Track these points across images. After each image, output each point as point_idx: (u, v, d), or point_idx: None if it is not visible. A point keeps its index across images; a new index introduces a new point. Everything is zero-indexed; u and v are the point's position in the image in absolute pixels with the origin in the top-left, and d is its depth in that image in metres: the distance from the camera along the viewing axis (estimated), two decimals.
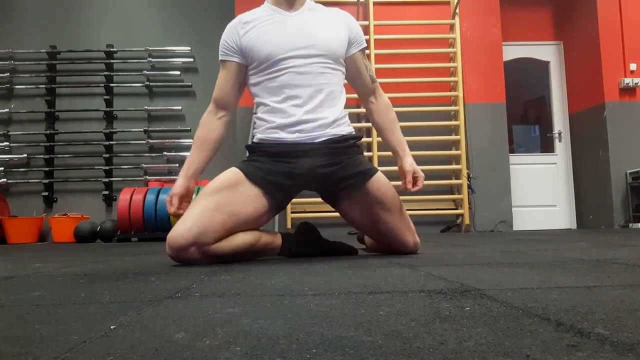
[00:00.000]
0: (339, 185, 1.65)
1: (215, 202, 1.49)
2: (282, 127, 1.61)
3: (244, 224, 1.54)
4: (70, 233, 4.49)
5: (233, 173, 1.59)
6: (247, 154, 1.71)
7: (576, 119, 5.41)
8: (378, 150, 4.69)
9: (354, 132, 1.72)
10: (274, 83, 1.61)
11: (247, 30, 1.63)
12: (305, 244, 1.70)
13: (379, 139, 4.69)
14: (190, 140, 5.29)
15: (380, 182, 1.66)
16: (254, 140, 1.69)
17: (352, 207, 1.68)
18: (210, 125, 1.67)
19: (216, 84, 1.69)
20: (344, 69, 1.72)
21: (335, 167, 1.63)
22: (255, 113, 1.72)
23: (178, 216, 1.56)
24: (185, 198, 1.63)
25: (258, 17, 1.66)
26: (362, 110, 4.82)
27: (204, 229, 1.43)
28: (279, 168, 1.60)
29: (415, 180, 1.67)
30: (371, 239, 1.85)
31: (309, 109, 1.60)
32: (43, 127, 5.25)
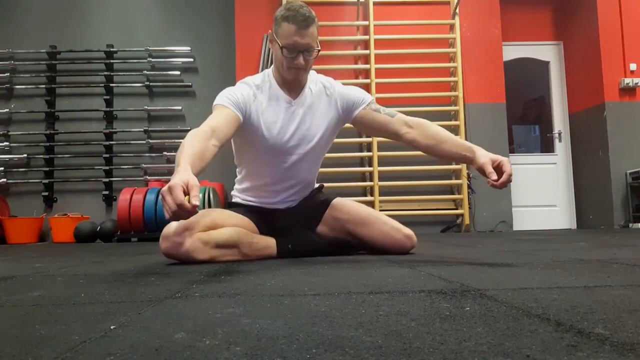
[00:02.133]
0: (308, 223, 1.80)
1: (203, 211, 1.62)
2: (264, 203, 1.81)
3: (233, 227, 1.63)
4: (70, 233, 4.49)
5: (216, 209, 1.81)
6: (228, 207, 1.86)
7: (576, 119, 5.41)
8: (378, 150, 4.69)
9: (316, 186, 1.93)
10: (265, 169, 1.75)
11: (257, 109, 1.67)
12: (301, 244, 1.71)
13: (379, 139, 4.71)
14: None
15: (339, 204, 1.82)
16: (234, 200, 1.88)
17: (331, 235, 1.82)
18: (206, 143, 1.41)
19: (213, 117, 1.55)
20: (324, 153, 1.86)
21: (302, 210, 1.82)
22: (238, 174, 1.87)
23: (187, 213, 1.12)
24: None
25: (266, 98, 1.70)
26: None
27: (195, 220, 1.51)
28: (258, 216, 1.76)
29: (499, 169, 1.39)
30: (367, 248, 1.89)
31: (290, 194, 1.80)
32: (43, 127, 5.25)
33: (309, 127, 1.73)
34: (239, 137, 1.71)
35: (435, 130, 1.65)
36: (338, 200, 1.85)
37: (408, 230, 1.75)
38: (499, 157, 1.41)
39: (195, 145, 1.36)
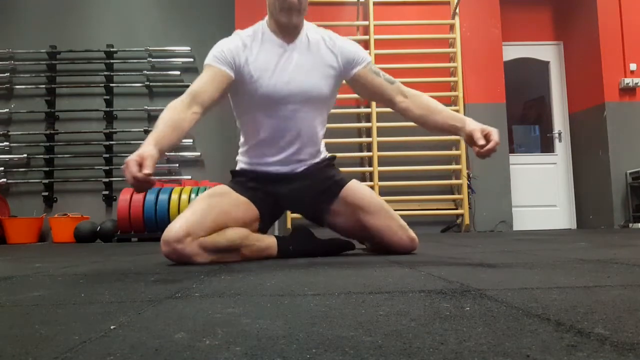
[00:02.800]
0: (317, 200, 1.73)
1: (207, 203, 1.58)
2: (265, 164, 1.72)
3: (236, 222, 1.59)
4: (70, 233, 4.49)
5: (221, 186, 1.71)
6: (232, 177, 1.79)
7: (576, 119, 5.41)
8: (378, 150, 4.69)
9: (328, 155, 1.84)
10: (262, 120, 1.67)
11: (247, 58, 1.63)
12: (301, 243, 1.70)
13: (379, 139, 4.71)
14: (190, 141, 5.34)
15: (354, 188, 1.74)
16: (237, 168, 1.80)
17: (337, 219, 1.75)
18: (183, 114, 1.48)
19: (197, 81, 1.60)
20: (331, 103, 1.79)
21: (311, 182, 1.73)
22: (239, 139, 1.80)
23: (146, 185, 1.20)
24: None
25: (259, 46, 1.65)
26: (363, 110, 4.84)
27: (197, 223, 1.49)
28: (263, 187, 1.71)
29: (487, 137, 1.40)
30: (368, 243, 1.88)
31: (292, 151, 1.71)
32: (43, 127, 5.25)
33: (305, 74, 1.66)
34: (235, 92, 1.67)
35: (428, 100, 1.67)
36: (354, 183, 1.76)
37: (412, 233, 1.73)
38: (488, 127, 1.41)
39: (169, 119, 1.43)
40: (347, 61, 1.72)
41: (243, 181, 1.73)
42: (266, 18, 1.71)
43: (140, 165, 1.18)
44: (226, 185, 1.72)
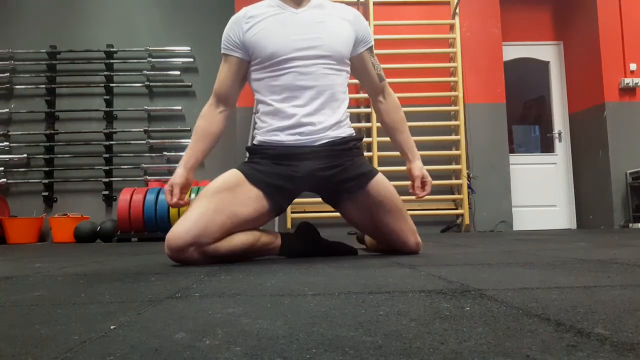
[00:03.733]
0: (340, 187, 1.63)
1: (215, 202, 1.48)
2: (282, 129, 1.59)
3: (244, 224, 1.53)
4: (70, 233, 4.49)
5: (233, 174, 1.57)
6: (248, 155, 1.69)
7: (576, 119, 5.41)
8: (378, 150, 4.69)
9: (354, 134, 1.70)
10: (276, 82, 1.59)
11: (251, 25, 1.59)
12: (305, 243, 1.69)
13: (379, 139, 4.71)
14: (190, 141, 5.32)
15: (381, 183, 1.65)
16: (254, 142, 1.68)
17: (354, 209, 1.67)
18: (211, 117, 1.66)
19: (217, 77, 1.67)
20: (348, 69, 1.70)
21: (336, 169, 1.60)
22: (256, 112, 1.70)
23: (177, 207, 1.61)
24: (184, 189, 1.61)
25: (263, 12, 1.61)
26: (363, 110, 4.84)
27: (203, 230, 1.42)
28: (280, 171, 1.58)
29: (423, 185, 1.73)
30: (373, 239, 1.85)
31: (310, 111, 1.58)
32: (43, 127, 5.25)
33: (317, 30, 1.60)
34: (251, 70, 1.65)
35: (400, 117, 1.80)
36: (381, 178, 1.66)
37: (419, 238, 1.71)
38: (427, 177, 1.75)
39: (198, 130, 1.65)
40: (359, 33, 1.67)
41: (258, 163, 1.61)
42: None
43: (171, 193, 1.56)
44: (238, 171, 1.58)
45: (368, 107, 4.79)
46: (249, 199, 1.53)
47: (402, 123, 1.80)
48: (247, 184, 1.55)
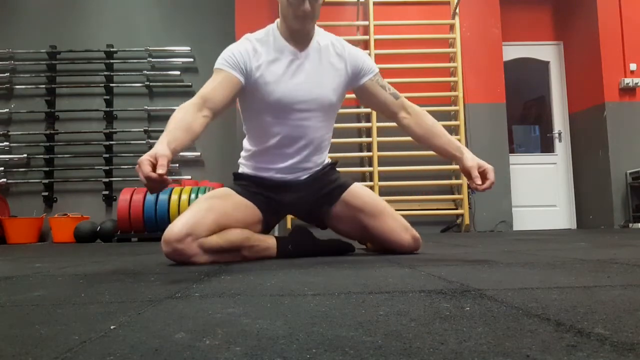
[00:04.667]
0: (319, 203, 1.75)
1: (208, 204, 1.58)
2: (270, 170, 1.71)
3: (236, 223, 1.59)
4: (70, 233, 4.49)
5: (223, 189, 1.72)
6: (234, 180, 1.78)
7: (576, 119, 5.41)
8: (378, 150, 4.69)
9: (330, 161, 1.84)
10: (272, 127, 1.67)
11: (260, 63, 1.62)
12: (301, 244, 1.70)
13: (379, 139, 4.71)
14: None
15: (357, 190, 1.75)
16: (240, 171, 1.79)
17: (339, 222, 1.77)
18: (194, 115, 1.46)
19: (208, 84, 1.58)
20: (338, 109, 1.79)
21: (313, 189, 1.74)
22: (244, 142, 1.79)
23: (160, 184, 1.17)
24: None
25: (270, 51, 1.64)
26: (362, 110, 4.83)
27: (198, 221, 1.49)
28: (265, 193, 1.70)
29: (484, 175, 1.49)
30: (371, 245, 1.88)
31: (300, 159, 1.71)
32: (43, 127, 5.25)
33: (317, 82, 1.67)
34: (244, 96, 1.66)
35: (432, 123, 1.70)
36: (356, 186, 1.77)
37: (415, 232, 1.73)
38: (484, 164, 1.50)
39: (180, 120, 1.41)
40: (355, 69, 1.72)
41: (246, 185, 1.71)
42: (277, 22, 1.70)
43: (154, 165, 1.17)
44: (228, 188, 1.71)
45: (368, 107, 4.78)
46: (241, 205, 1.65)
47: (437, 126, 1.69)
48: (238, 195, 1.67)
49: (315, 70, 1.67)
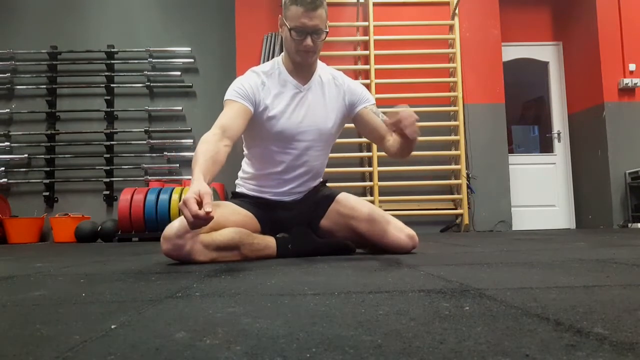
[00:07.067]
0: (310, 217, 1.81)
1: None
2: (269, 193, 1.80)
3: (235, 225, 1.62)
4: (71, 233, 4.49)
5: (222, 202, 1.77)
6: (232, 197, 1.87)
7: (575, 119, 5.41)
8: (378, 150, 4.69)
9: (322, 180, 1.93)
10: (274, 155, 1.76)
11: (266, 97, 1.71)
12: (301, 244, 1.71)
13: None
14: (191, 141, 5.33)
15: (345, 197, 1.84)
16: (237, 190, 1.87)
17: (333, 230, 1.82)
18: (216, 147, 1.49)
19: (223, 115, 1.62)
20: (334, 142, 1.89)
21: (305, 205, 1.82)
22: (245, 163, 1.86)
23: (203, 220, 1.21)
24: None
25: (275, 84, 1.73)
26: None
27: None
28: (262, 208, 1.77)
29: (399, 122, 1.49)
30: (370, 249, 1.89)
31: (298, 184, 1.81)
32: (44, 127, 5.25)
33: (318, 114, 1.76)
34: (250, 125, 1.71)
35: None
36: (343, 195, 1.85)
37: (410, 231, 1.75)
38: (399, 111, 1.51)
39: (207, 151, 1.46)
40: (352, 100, 1.82)
41: (244, 202, 1.79)
42: (282, 55, 1.79)
43: (199, 203, 1.21)
44: (226, 202, 1.79)
45: None
46: (240, 212, 1.70)
47: None
48: (235, 205, 1.73)
49: (316, 103, 1.77)
